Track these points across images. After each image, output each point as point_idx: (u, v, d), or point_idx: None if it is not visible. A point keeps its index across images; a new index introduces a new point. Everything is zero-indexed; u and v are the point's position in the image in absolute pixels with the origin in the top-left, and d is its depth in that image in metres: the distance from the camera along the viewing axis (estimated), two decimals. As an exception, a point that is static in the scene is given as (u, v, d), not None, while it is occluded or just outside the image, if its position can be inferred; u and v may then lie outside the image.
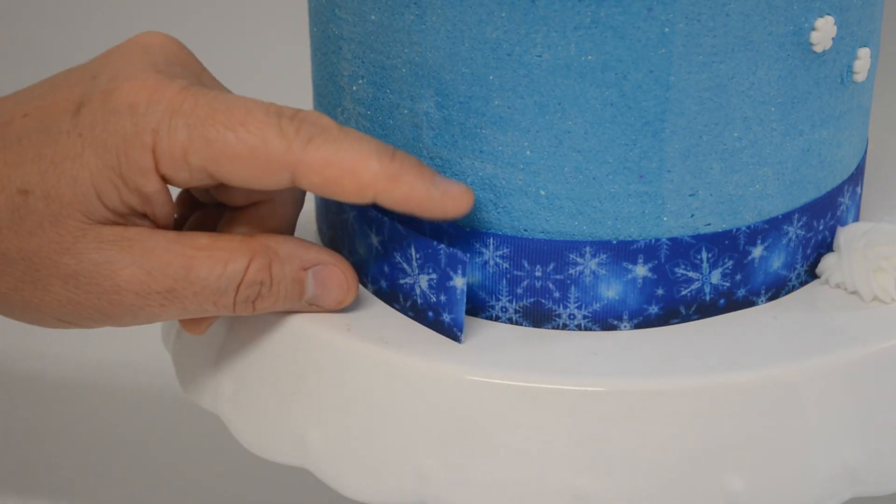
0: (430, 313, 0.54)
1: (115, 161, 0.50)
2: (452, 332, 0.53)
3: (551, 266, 0.53)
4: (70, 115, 0.51)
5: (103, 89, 0.51)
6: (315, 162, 0.50)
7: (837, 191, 0.56)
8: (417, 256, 0.54)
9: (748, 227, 0.54)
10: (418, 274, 0.54)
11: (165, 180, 0.51)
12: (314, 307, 0.54)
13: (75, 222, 0.51)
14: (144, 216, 0.52)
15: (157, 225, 0.52)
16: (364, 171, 0.50)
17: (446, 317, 0.53)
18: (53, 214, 0.51)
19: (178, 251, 0.52)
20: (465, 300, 0.52)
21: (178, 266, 0.52)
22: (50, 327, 0.54)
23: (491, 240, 0.53)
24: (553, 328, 0.54)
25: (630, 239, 0.53)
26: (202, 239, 0.52)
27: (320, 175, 0.50)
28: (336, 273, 0.54)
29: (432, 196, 0.51)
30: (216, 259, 0.52)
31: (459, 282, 0.52)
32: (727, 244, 0.54)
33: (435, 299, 0.53)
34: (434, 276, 0.53)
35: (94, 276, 0.51)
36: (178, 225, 0.57)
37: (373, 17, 0.53)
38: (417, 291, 0.54)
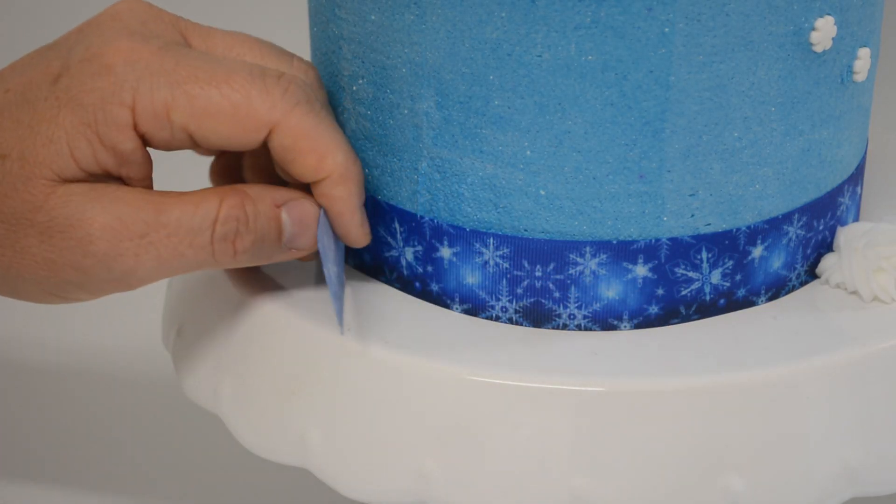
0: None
1: (92, 118, 0.50)
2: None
3: (551, 266, 0.53)
4: (49, 84, 0.51)
5: (80, 58, 0.51)
6: (294, 127, 0.51)
7: (837, 191, 0.56)
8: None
9: (748, 227, 0.54)
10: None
11: (144, 140, 0.51)
12: (294, 251, 0.54)
13: (45, 181, 0.51)
14: (119, 180, 0.52)
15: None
16: (329, 158, 0.52)
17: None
18: (26, 175, 0.51)
19: (149, 198, 0.52)
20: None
21: (149, 209, 0.51)
22: (33, 300, 0.53)
23: (491, 240, 0.53)
24: (553, 328, 0.54)
25: (630, 239, 0.53)
26: (173, 193, 0.52)
27: (292, 141, 0.51)
28: (310, 209, 0.54)
29: (355, 214, 0.53)
30: (187, 201, 0.52)
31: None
32: (727, 244, 0.54)
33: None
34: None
35: (67, 228, 0.51)
36: None
37: (373, 17, 0.53)
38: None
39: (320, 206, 0.53)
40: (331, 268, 0.53)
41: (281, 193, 0.53)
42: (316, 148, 0.52)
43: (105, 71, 0.51)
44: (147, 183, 0.53)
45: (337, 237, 0.54)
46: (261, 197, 0.53)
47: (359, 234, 0.54)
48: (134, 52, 0.51)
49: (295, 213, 0.53)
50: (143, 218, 0.51)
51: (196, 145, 0.52)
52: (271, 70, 0.52)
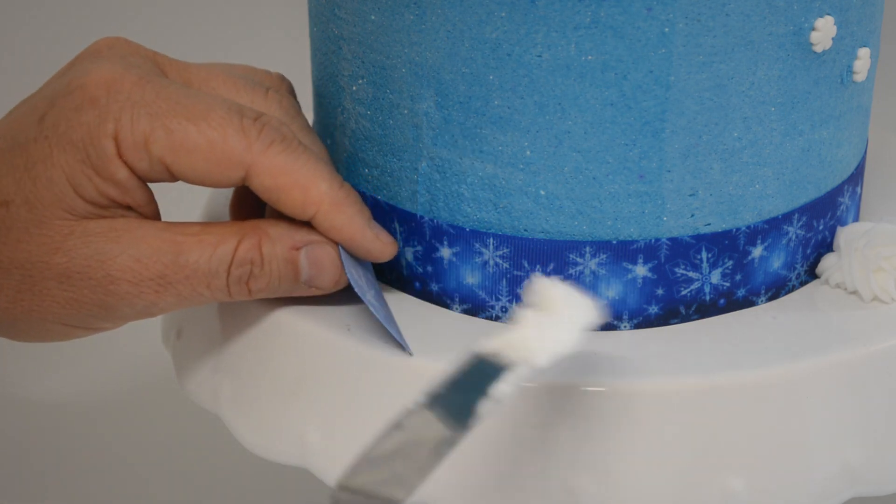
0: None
1: (84, 154, 0.51)
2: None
3: (551, 266, 0.53)
4: (35, 123, 0.52)
5: (63, 92, 0.52)
6: (271, 166, 0.51)
7: (837, 191, 0.56)
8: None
9: (748, 227, 0.54)
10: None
11: (129, 168, 0.51)
12: (314, 289, 0.54)
13: (60, 221, 0.51)
14: (129, 208, 0.52)
15: (143, 215, 0.53)
16: (313, 189, 0.52)
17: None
18: (38, 218, 0.51)
19: (167, 238, 0.52)
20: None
21: (168, 251, 0.52)
22: (58, 339, 0.54)
23: (491, 240, 0.53)
24: (553, 328, 0.54)
25: (630, 239, 0.53)
26: (193, 227, 0.52)
27: (272, 180, 0.51)
28: (329, 252, 0.54)
29: (366, 234, 0.53)
30: (206, 242, 0.52)
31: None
32: (727, 244, 0.54)
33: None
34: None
35: (87, 269, 0.52)
36: None
37: (373, 17, 0.53)
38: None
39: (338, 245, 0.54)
40: (368, 296, 0.53)
41: (302, 235, 0.53)
42: (297, 182, 0.52)
43: (89, 104, 0.51)
44: (153, 207, 0.53)
45: (360, 260, 0.54)
46: (280, 238, 0.53)
47: (378, 248, 0.54)
48: (115, 83, 0.51)
49: (313, 256, 0.53)
50: (162, 260, 0.52)
51: (174, 178, 0.52)
52: (248, 110, 0.52)
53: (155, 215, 0.53)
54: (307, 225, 0.53)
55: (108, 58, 0.52)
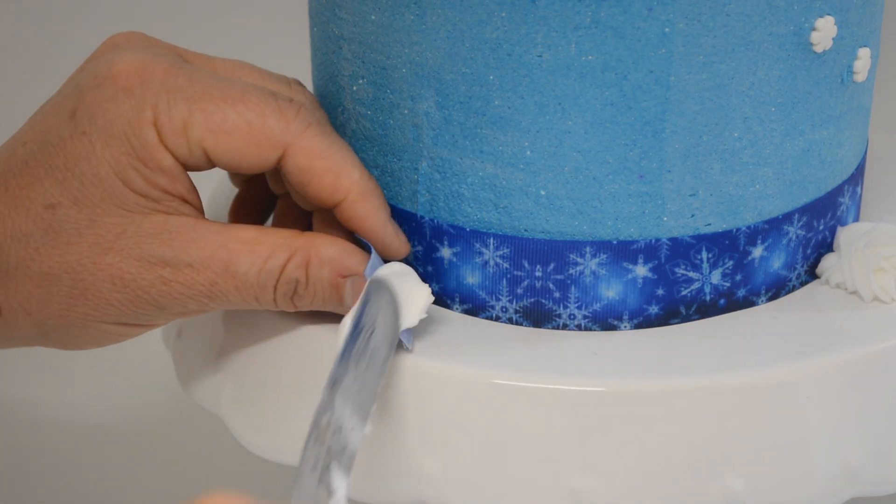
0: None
1: (128, 145, 0.50)
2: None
3: (551, 266, 0.53)
4: (66, 121, 0.51)
5: (90, 86, 0.51)
6: (308, 148, 0.51)
7: (837, 191, 0.56)
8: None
9: (748, 227, 0.54)
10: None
11: (172, 154, 0.51)
12: None
13: (113, 218, 0.51)
14: (179, 198, 0.52)
15: (192, 205, 0.52)
16: (345, 176, 0.52)
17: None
18: (88, 217, 0.51)
19: (221, 243, 0.52)
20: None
21: (220, 259, 0.51)
22: (112, 342, 0.54)
23: (491, 240, 0.53)
24: (553, 328, 0.54)
25: (630, 239, 0.53)
26: (248, 232, 0.52)
27: (308, 162, 0.51)
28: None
29: (387, 228, 0.53)
30: (257, 254, 0.52)
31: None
32: (727, 244, 0.54)
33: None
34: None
35: (139, 270, 0.51)
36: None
37: (373, 17, 0.53)
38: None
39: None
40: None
41: (352, 264, 0.52)
42: (331, 167, 0.51)
43: (123, 94, 0.50)
44: (196, 196, 0.53)
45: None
46: (330, 262, 0.52)
47: (395, 244, 0.53)
48: (147, 70, 0.51)
49: (358, 289, 0.53)
50: (213, 268, 0.51)
51: (211, 164, 0.52)
52: (283, 94, 0.52)
53: (199, 205, 0.53)
54: (361, 253, 0.53)
55: (130, 48, 0.52)
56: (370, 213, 0.52)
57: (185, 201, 0.52)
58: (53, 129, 0.51)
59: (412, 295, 0.52)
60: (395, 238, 0.53)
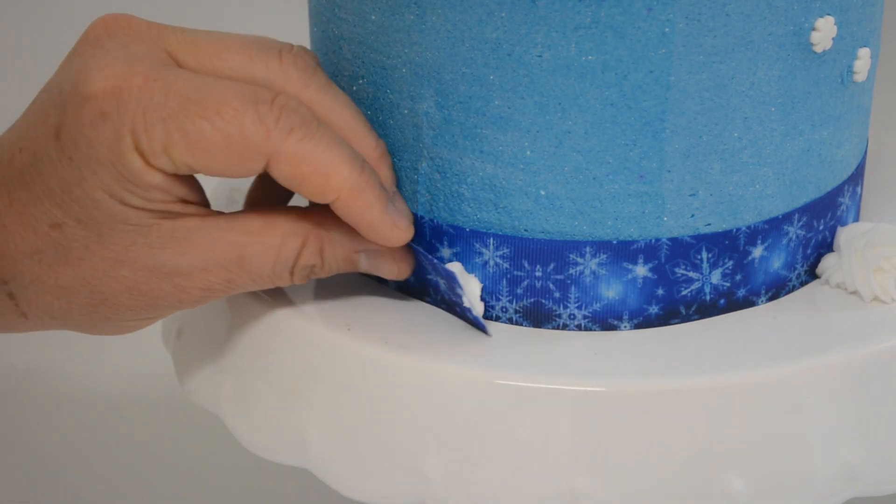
0: (458, 308, 0.54)
1: (115, 171, 0.50)
2: (479, 325, 0.53)
3: (551, 266, 0.53)
4: (52, 141, 0.50)
5: (71, 101, 0.50)
6: (291, 155, 0.50)
7: (837, 191, 0.56)
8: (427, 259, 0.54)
9: (748, 227, 0.54)
10: (435, 277, 0.54)
11: (161, 172, 0.51)
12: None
13: (120, 233, 0.51)
14: (186, 202, 0.51)
15: (196, 203, 0.52)
16: (334, 176, 0.51)
17: (469, 315, 0.53)
18: (96, 233, 0.51)
19: (231, 240, 0.52)
20: (478, 302, 0.53)
21: (232, 256, 0.52)
22: (139, 328, 0.54)
23: (491, 240, 0.53)
24: (553, 328, 0.54)
25: (630, 239, 0.53)
26: (255, 221, 0.52)
27: (293, 169, 0.50)
28: (387, 258, 0.54)
29: (383, 221, 0.52)
30: (268, 245, 0.52)
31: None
32: (727, 244, 0.54)
33: (454, 297, 0.53)
34: (445, 280, 0.53)
35: (155, 281, 0.52)
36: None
37: (373, 17, 0.53)
38: (442, 287, 0.54)
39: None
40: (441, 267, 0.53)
41: (365, 241, 0.53)
42: (318, 170, 0.51)
43: (101, 119, 0.50)
44: (202, 194, 0.52)
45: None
46: (341, 241, 0.53)
47: (394, 235, 0.53)
48: (122, 89, 0.49)
49: (372, 259, 0.53)
50: (227, 267, 0.52)
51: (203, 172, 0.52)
52: (263, 93, 0.50)
53: (203, 199, 0.53)
54: None
55: (109, 50, 0.51)
56: (364, 209, 0.52)
57: (188, 202, 0.52)
58: (42, 146, 0.51)
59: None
60: (393, 229, 0.52)
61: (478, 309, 0.53)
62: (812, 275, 0.57)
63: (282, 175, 0.51)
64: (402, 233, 0.53)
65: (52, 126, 0.50)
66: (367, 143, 0.53)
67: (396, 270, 0.54)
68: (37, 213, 0.51)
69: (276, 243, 0.52)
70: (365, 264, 0.54)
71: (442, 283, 0.53)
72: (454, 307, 0.54)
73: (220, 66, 0.52)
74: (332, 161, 0.51)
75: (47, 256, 0.51)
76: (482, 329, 0.53)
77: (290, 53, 0.53)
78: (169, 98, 0.50)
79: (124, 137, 0.49)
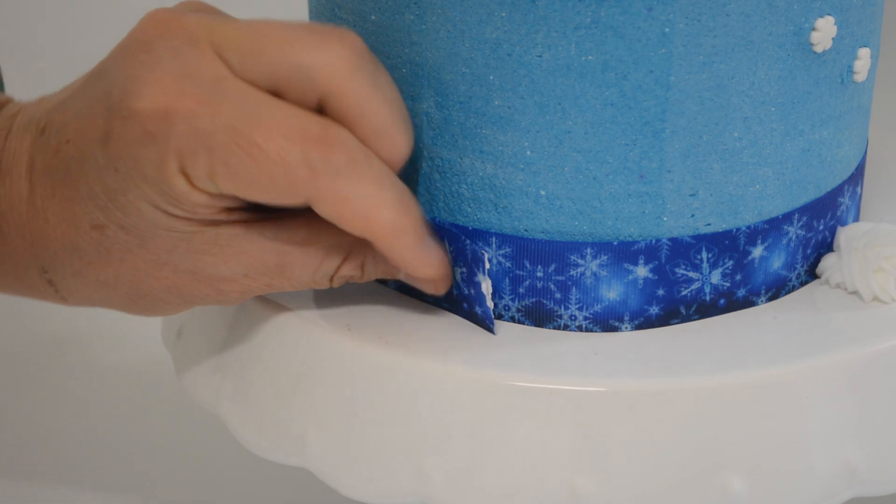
0: (465, 304, 0.54)
1: (160, 189, 0.49)
2: (485, 324, 0.53)
3: (552, 267, 0.53)
4: (100, 146, 0.50)
5: (118, 114, 0.49)
6: (334, 198, 0.49)
7: (837, 191, 0.56)
8: (451, 249, 0.53)
9: (748, 227, 0.54)
10: (452, 266, 0.54)
11: (206, 193, 0.50)
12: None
13: (164, 239, 0.51)
14: (230, 210, 0.51)
15: (241, 209, 0.51)
16: (375, 220, 0.50)
17: (478, 309, 0.53)
18: (138, 238, 0.51)
19: (274, 249, 0.52)
20: (489, 295, 0.53)
21: (274, 264, 0.52)
22: (173, 313, 0.55)
23: (493, 238, 0.53)
24: (554, 328, 0.54)
25: (630, 239, 0.53)
26: (299, 232, 0.52)
27: (333, 209, 0.50)
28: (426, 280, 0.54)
29: (418, 260, 0.52)
30: (311, 256, 0.52)
31: (483, 280, 0.52)
32: (727, 244, 0.54)
33: (467, 292, 0.53)
34: (464, 269, 0.53)
35: (196, 285, 0.52)
36: None
37: (373, 17, 0.53)
38: (457, 277, 0.54)
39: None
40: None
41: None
42: (359, 214, 0.50)
43: (148, 140, 0.49)
44: (240, 200, 0.52)
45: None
46: (383, 261, 0.53)
47: (428, 273, 0.52)
48: (170, 112, 0.48)
49: (411, 277, 0.53)
50: (268, 274, 0.52)
51: None
52: (313, 126, 0.49)
53: (245, 206, 0.52)
54: None
55: (160, 58, 0.49)
56: (402, 252, 0.51)
57: (231, 210, 0.51)
58: (89, 147, 0.50)
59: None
60: (428, 269, 0.52)
61: (490, 303, 0.53)
62: (812, 275, 0.57)
63: (323, 212, 0.50)
64: (436, 272, 0.52)
65: (100, 130, 0.50)
66: (393, 147, 0.51)
67: (433, 287, 0.53)
68: (79, 212, 0.51)
69: (318, 255, 0.52)
70: (404, 276, 0.54)
71: (459, 272, 0.53)
72: (460, 303, 0.54)
73: (265, 62, 0.50)
74: (375, 204, 0.50)
75: (88, 254, 0.51)
76: (488, 326, 0.53)
77: (339, 42, 0.50)
78: (216, 126, 0.48)
79: (170, 162, 0.49)
